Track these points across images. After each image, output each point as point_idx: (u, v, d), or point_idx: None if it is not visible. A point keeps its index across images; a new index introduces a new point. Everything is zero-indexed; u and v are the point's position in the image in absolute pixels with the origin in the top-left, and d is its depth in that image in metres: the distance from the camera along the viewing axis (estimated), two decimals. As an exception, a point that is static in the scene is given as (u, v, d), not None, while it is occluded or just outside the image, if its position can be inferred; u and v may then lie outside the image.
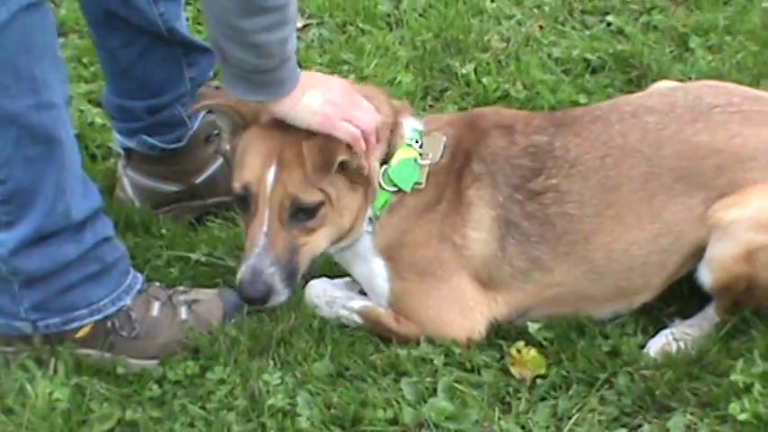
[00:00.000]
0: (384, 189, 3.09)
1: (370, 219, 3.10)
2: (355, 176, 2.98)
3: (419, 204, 3.11)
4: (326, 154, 2.86)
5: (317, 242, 2.97)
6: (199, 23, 4.89)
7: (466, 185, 3.10)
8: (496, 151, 3.12)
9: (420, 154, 3.11)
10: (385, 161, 3.09)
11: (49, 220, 2.93)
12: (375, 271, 3.16)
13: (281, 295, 2.93)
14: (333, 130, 2.88)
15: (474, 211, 3.09)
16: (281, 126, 2.91)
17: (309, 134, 2.88)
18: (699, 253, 3.02)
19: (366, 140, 2.94)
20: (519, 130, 3.15)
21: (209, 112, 3.59)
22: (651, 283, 3.12)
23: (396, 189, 3.09)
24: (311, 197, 2.89)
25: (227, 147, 3.76)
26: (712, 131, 3.02)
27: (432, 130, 3.17)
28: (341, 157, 2.88)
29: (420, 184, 3.09)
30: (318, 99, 2.88)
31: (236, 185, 2.93)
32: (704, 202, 2.99)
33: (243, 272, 2.89)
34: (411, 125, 3.16)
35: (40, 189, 2.89)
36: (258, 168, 2.89)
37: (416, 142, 3.12)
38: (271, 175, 2.87)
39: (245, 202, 2.93)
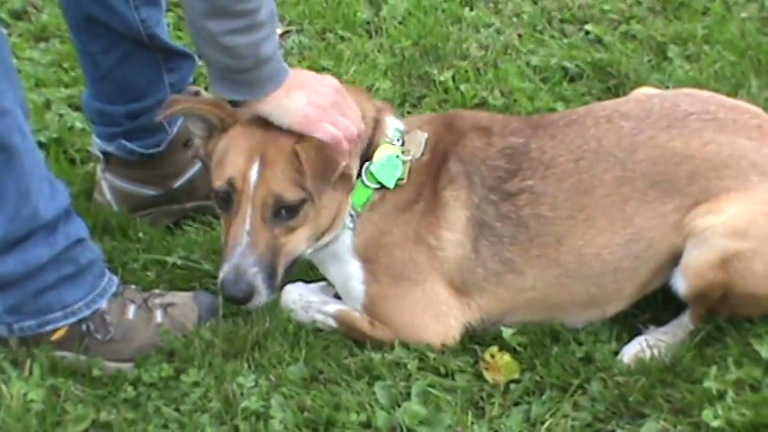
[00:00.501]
0: (366, 186, 3.10)
1: (351, 215, 3.10)
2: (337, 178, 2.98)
3: (399, 202, 3.12)
4: (326, 158, 2.88)
5: (297, 242, 2.97)
6: (179, 29, 4.90)
7: (442, 185, 3.11)
8: (473, 152, 3.14)
9: (402, 151, 3.12)
10: (367, 158, 3.11)
11: (15, 225, 2.93)
12: (351, 273, 3.16)
13: (262, 296, 2.91)
14: (313, 131, 2.89)
15: (449, 211, 3.10)
16: (264, 124, 2.92)
17: (293, 134, 2.89)
18: (672, 262, 3.03)
19: (346, 142, 2.95)
20: (496, 132, 3.17)
21: (201, 91, 3.66)
22: (623, 290, 3.12)
23: (378, 186, 3.10)
24: (294, 195, 2.88)
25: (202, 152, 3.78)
26: (686, 138, 3.03)
27: (412, 128, 3.19)
28: (342, 163, 2.90)
29: (402, 179, 3.10)
30: (302, 100, 2.90)
31: (219, 183, 2.92)
32: (678, 210, 3.00)
33: (226, 271, 2.87)
34: (393, 124, 3.18)
35: (1, 196, 2.89)
36: (242, 165, 2.88)
37: (398, 140, 3.14)
38: (254, 172, 2.87)
39: (226, 199, 2.92)
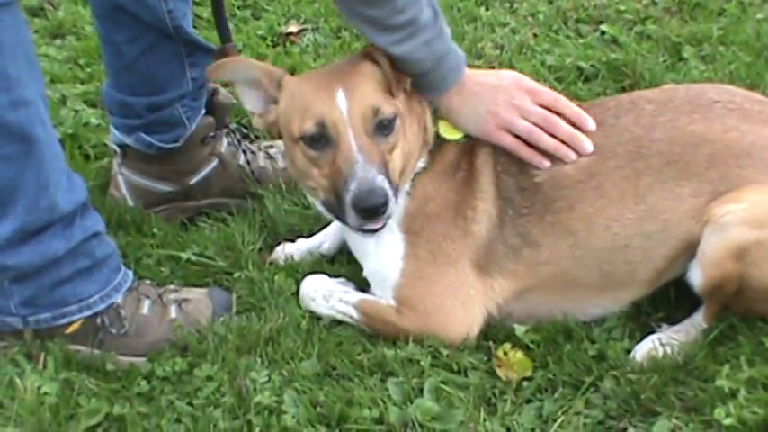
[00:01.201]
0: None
1: (412, 178, 3.13)
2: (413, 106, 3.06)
3: (445, 168, 3.15)
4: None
5: (396, 162, 2.98)
6: (195, 27, 4.88)
7: (475, 155, 3.15)
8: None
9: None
10: None
11: (33, 216, 2.94)
12: (392, 246, 3.14)
13: (393, 204, 2.88)
14: (490, 138, 3.11)
15: (482, 180, 3.13)
16: (322, 72, 3.08)
17: (355, 61, 3.01)
18: (688, 252, 3.01)
19: None
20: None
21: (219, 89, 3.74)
22: (636, 273, 3.11)
23: (438, 144, 3.16)
24: (389, 107, 2.93)
25: (222, 149, 3.80)
26: (708, 123, 3.02)
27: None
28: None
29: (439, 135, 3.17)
30: (482, 109, 3.07)
31: (308, 126, 2.90)
32: (695, 194, 2.98)
33: (356, 187, 2.81)
34: None
35: (21, 186, 2.91)
36: (325, 99, 2.90)
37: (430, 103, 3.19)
38: (341, 99, 2.89)
39: (320, 139, 2.91)
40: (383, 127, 2.92)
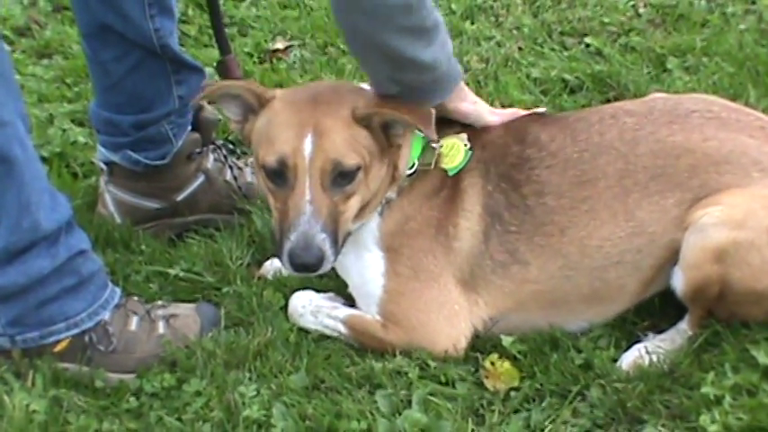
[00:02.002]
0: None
1: (381, 203, 3.14)
2: (386, 148, 3.02)
3: (426, 190, 3.16)
4: (421, 109, 3.00)
5: (352, 210, 2.98)
6: (182, 44, 4.91)
7: (463, 173, 3.16)
8: (493, 139, 3.21)
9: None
10: None
11: (15, 236, 2.95)
12: (372, 264, 3.17)
13: (330, 262, 2.91)
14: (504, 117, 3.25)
15: (466, 199, 3.14)
16: (306, 96, 2.98)
17: (340, 101, 2.96)
18: (673, 260, 3.04)
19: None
20: (515, 121, 3.26)
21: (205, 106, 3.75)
22: (626, 287, 3.14)
23: (410, 172, 3.14)
24: (352, 160, 2.91)
25: (209, 165, 3.81)
26: (687, 133, 3.07)
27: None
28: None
29: (429, 165, 3.14)
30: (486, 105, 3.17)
31: (270, 159, 2.91)
32: (678, 204, 3.03)
33: (294, 240, 2.85)
34: None
35: (1, 207, 2.91)
36: (293, 139, 2.89)
37: None
38: (308, 144, 2.88)
39: (279, 175, 2.93)
40: (343, 178, 2.92)
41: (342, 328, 3.23)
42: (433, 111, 3.03)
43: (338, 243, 2.94)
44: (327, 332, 3.24)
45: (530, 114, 3.33)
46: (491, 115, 3.24)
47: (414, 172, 3.14)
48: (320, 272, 2.94)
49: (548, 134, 3.17)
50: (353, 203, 2.97)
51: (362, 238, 3.16)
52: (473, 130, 3.22)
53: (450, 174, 3.15)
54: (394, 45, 2.84)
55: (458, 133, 3.20)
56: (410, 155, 3.14)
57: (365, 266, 3.18)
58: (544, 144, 3.16)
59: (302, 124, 2.90)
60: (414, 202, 3.15)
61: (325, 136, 2.89)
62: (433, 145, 3.14)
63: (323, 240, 2.86)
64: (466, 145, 3.17)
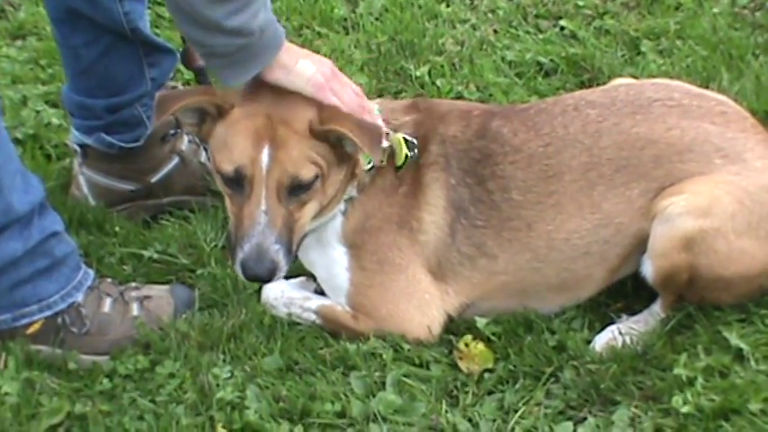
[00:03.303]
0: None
1: (345, 200, 3.13)
2: (344, 153, 3.00)
3: (385, 186, 3.15)
4: (371, 127, 2.95)
5: (307, 216, 2.97)
6: (156, 27, 4.90)
7: (423, 168, 3.15)
8: (454, 134, 3.18)
9: (386, 133, 3.13)
10: None
11: None
12: (336, 259, 3.17)
13: (283, 271, 2.92)
14: (325, 98, 2.93)
15: (429, 193, 3.14)
16: (265, 107, 2.92)
17: (297, 114, 2.90)
18: (641, 248, 3.06)
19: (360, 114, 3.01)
20: (474, 116, 3.23)
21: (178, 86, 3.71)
22: (594, 275, 3.16)
23: (369, 168, 3.12)
24: (310, 173, 2.89)
25: (183, 147, 3.79)
26: (650, 123, 3.08)
27: (390, 112, 3.23)
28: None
29: (382, 162, 3.10)
30: (311, 69, 2.92)
31: (227, 168, 2.90)
32: (644, 194, 3.05)
33: (247, 251, 2.86)
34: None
35: None
36: (250, 150, 2.87)
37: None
38: (265, 155, 2.86)
39: (236, 183, 2.91)
40: (299, 188, 2.91)
41: (314, 318, 3.24)
42: (383, 130, 3.01)
43: (293, 250, 2.95)
44: (301, 321, 3.25)
45: (486, 109, 3.31)
46: (312, 90, 2.95)
47: (371, 168, 3.13)
48: (275, 281, 2.98)
49: (510, 128, 3.16)
50: (309, 209, 2.97)
51: (326, 235, 3.18)
52: (431, 125, 3.20)
53: (398, 170, 3.14)
54: (198, 8, 2.76)
55: (412, 132, 3.18)
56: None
57: (330, 262, 3.19)
58: (507, 139, 3.15)
59: (260, 135, 2.88)
60: (373, 198, 3.15)
61: (282, 149, 2.87)
62: (383, 143, 3.10)
63: (276, 252, 2.87)
64: (412, 143, 3.14)
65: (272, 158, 2.86)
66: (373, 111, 3.11)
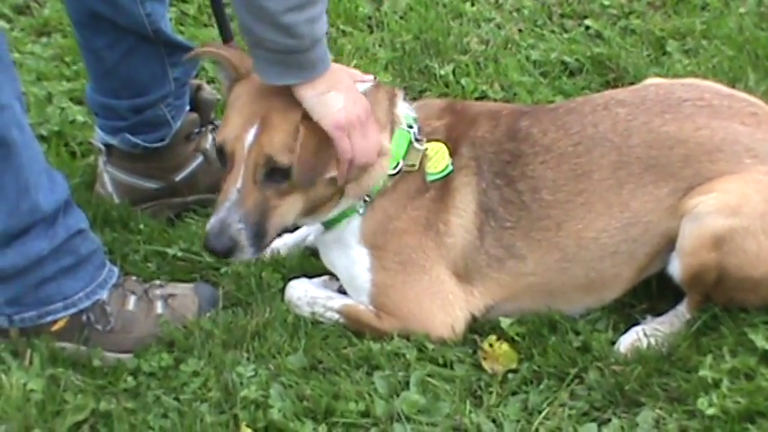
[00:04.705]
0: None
1: (364, 200, 3.13)
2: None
3: (410, 190, 3.14)
4: (318, 164, 2.91)
5: (289, 208, 2.98)
6: (181, 24, 4.92)
7: (450, 177, 3.15)
8: (484, 136, 3.18)
9: (417, 139, 3.15)
10: None
11: (14, 219, 2.95)
12: (357, 260, 3.17)
13: (246, 253, 2.93)
14: (337, 138, 2.90)
15: (458, 197, 3.14)
16: (270, 89, 2.92)
17: (297, 107, 2.89)
18: (668, 247, 3.05)
19: (350, 164, 2.96)
20: (504, 116, 3.22)
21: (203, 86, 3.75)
22: (622, 275, 3.15)
23: (394, 172, 3.12)
24: (288, 159, 2.89)
25: (207, 145, 3.80)
26: (680, 123, 3.06)
27: (424, 117, 3.23)
28: (329, 174, 2.95)
29: (414, 166, 3.12)
30: (340, 103, 2.90)
31: (218, 140, 2.97)
32: (672, 193, 3.03)
33: (211, 224, 2.91)
34: (405, 111, 3.21)
35: (0, 190, 2.92)
36: (239, 127, 2.91)
37: (410, 127, 3.16)
38: (251, 134, 2.89)
39: (222, 155, 2.96)
40: (277, 174, 2.91)
41: (338, 318, 3.24)
42: (324, 170, 2.95)
43: (265, 237, 2.95)
44: (324, 320, 3.25)
45: (515, 109, 3.31)
46: (330, 124, 2.91)
47: (398, 172, 3.13)
48: (235, 261, 3.02)
49: (540, 128, 3.16)
50: (292, 201, 2.97)
51: (345, 236, 3.18)
52: (462, 129, 3.20)
53: (429, 180, 3.13)
54: None
55: (442, 138, 3.18)
56: (393, 155, 3.13)
57: (351, 263, 3.20)
58: (537, 139, 3.14)
59: (253, 114, 2.91)
60: (397, 202, 3.15)
61: (267, 131, 2.89)
62: (417, 147, 3.13)
63: (238, 230, 2.89)
64: (410, 142, 3.15)
65: (256, 139, 2.89)
66: (381, 160, 3.09)
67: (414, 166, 3.12)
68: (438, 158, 3.13)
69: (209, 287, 3.35)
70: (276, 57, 2.81)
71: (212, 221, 2.90)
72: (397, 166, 3.12)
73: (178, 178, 3.81)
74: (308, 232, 3.52)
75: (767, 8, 4.81)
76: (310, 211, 3.07)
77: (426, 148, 3.14)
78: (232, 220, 2.88)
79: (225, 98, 3.11)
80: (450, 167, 3.13)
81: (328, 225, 3.20)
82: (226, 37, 3.55)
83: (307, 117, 2.89)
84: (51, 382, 3.03)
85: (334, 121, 2.89)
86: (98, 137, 3.77)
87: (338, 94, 2.90)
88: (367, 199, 3.14)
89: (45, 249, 3.01)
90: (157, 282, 3.34)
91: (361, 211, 3.14)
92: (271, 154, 2.88)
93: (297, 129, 2.88)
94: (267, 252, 3.48)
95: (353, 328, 3.21)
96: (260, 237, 2.93)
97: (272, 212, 2.94)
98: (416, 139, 3.15)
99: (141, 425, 2.92)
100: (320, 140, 2.89)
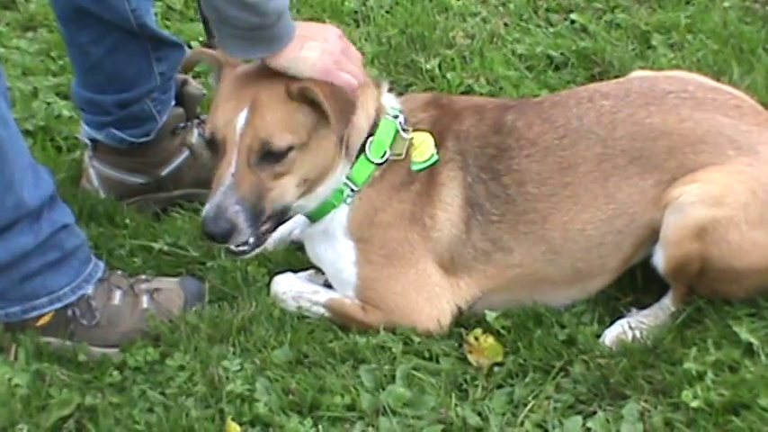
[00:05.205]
0: (369, 161, 3.13)
1: (352, 190, 3.13)
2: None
3: (396, 181, 3.15)
4: (346, 98, 2.94)
5: (285, 189, 2.97)
6: (167, 19, 4.91)
7: (440, 166, 3.15)
8: (469, 129, 3.19)
9: (403, 128, 3.16)
10: (369, 134, 3.15)
11: None
12: (343, 253, 3.18)
13: (244, 235, 2.92)
14: (333, 79, 2.94)
15: (444, 191, 3.14)
16: (256, 72, 2.96)
17: (284, 79, 2.92)
18: (652, 237, 3.07)
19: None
20: (489, 110, 3.23)
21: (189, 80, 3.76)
22: (607, 265, 3.16)
23: (380, 161, 3.13)
24: (282, 141, 2.90)
25: (193, 140, 3.80)
26: (664, 115, 3.07)
27: (409, 109, 3.23)
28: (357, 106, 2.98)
29: (400, 155, 3.13)
30: (317, 51, 2.93)
31: (207, 129, 2.98)
32: (657, 185, 3.05)
33: (207, 209, 2.89)
34: (390, 102, 3.22)
35: None
36: (229, 112, 2.91)
37: (396, 118, 3.17)
38: (242, 118, 2.90)
39: (214, 144, 2.96)
40: (272, 156, 2.92)
41: (323, 311, 3.24)
42: (355, 103, 3.00)
43: (260, 219, 2.95)
44: (310, 315, 3.24)
45: (500, 103, 3.32)
46: (319, 74, 2.95)
47: (384, 161, 3.14)
48: (234, 243, 2.95)
49: (525, 122, 3.16)
50: (287, 182, 2.97)
51: (331, 228, 3.18)
52: (447, 122, 3.21)
53: (414, 169, 3.14)
54: None
55: (427, 129, 3.19)
56: (362, 134, 3.13)
57: (337, 256, 3.20)
58: (522, 132, 3.15)
59: (241, 98, 2.92)
60: (383, 193, 3.15)
61: (258, 113, 2.90)
62: (404, 135, 3.14)
63: (235, 213, 2.88)
64: (397, 131, 3.16)
65: (248, 122, 2.90)
66: (360, 115, 3.11)
67: (400, 155, 3.13)
68: (423, 148, 3.14)
69: (195, 281, 3.35)
70: (243, 33, 2.84)
71: (208, 207, 2.89)
72: (383, 155, 3.12)
73: (164, 173, 3.81)
74: (294, 226, 3.52)
75: (751, 2, 4.82)
76: (306, 190, 3.06)
77: (412, 137, 3.15)
78: (228, 204, 2.87)
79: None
80: (436, 157, 3.14)
81: (315, 217, 3.19)
82: (211, 34, 3.56)
83: (295, 80, 2.92)
84: (37, 376, 3.02)
85: (321, 70, 2.92)
86: (84, 132, 3.77)
87: (312, 43, 2.93)
88: (354, 189, 3.13)
89: (30, 244, 3.01)
90: (143, 276, 3.34)
91: (348, 201, 3.14)
92: (266, 138, 2.89)
93: (287, 101, 2.91)
94: (270, 244, 3.45)
95: (339, 322, 3.21)
96: (257, 219, 2.93)
97: (267, 194, 2.93)
98: (403, 129, 3.15)
99: (127, 419, 2.91)
100: (337, 91, 2.93)
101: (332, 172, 3.10)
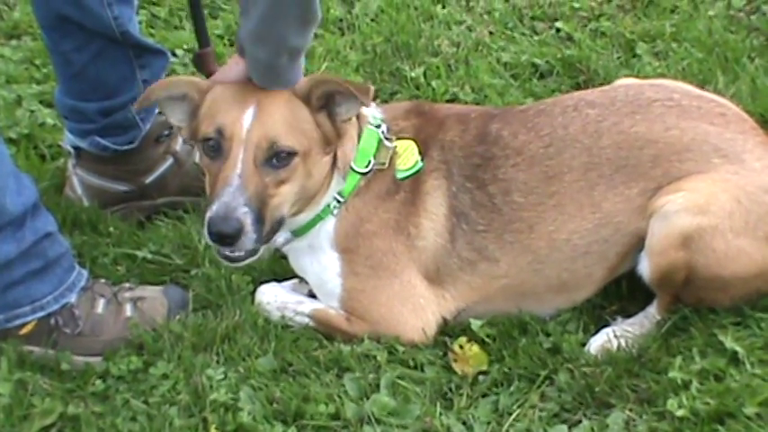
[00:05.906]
0: (355, 171, 3.13)
1: (338, 201, 3.13)
2: (330, 135, 3.02)
3: (381, 191, 3.14)
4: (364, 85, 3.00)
5: (285, 197, 2.96)
6: (152, 27, 4.90)
7: (424, 175, 3.15)
8: (453, 139, 3.19)
9: (386, 138, 3.16)
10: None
11: None
12: (328, 265, 3.17)
13: (250, 239, 2.87)
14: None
15: (429, 201, 3.14)
16: (248, 82, 2.98)
17: (284, 97, 2.96)
18: (638, 246, 3.06)
19: None
20: (473, 119, 3.23)
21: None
22: (593, 275, 3.16)
23: (365, 171, 3.12)
24: (288, 142, 2.90)
25: (177, 147, 3.79)
26: (649, 123, 3.08)
27: (391, 117, 3.23)
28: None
29: (384, 164, 3.12)
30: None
31: (209, 129, 2.93)
32: (642, 193, 3.05)
33: (215, 209, 2.84)
34: (371, 112, 3.21)
35: None
36: (234, 112, 2.90)
37: (378, 127, 3.17)
38: (249, 117, 2.89)
39: (216, 146, 2.92)
40: (277, 158, 2.91)
41: (308, 322, 3.23)
42: (372, 87, 3.02)
43: (263, 225, 2.91)
44: (294, 324, 3.23)
45: (484, 111, 3.33)
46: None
47: (369, 171, 3.13)
48: (239, 247, 2.90)
49: (510, 131, 3.16)
50: (287, 191, 2.96)
51: (318, 239, 3.17)
52: (430, 131, 3.20)
53: (399, 177, 3.14)
54: (287, 36, 2.85)
55: (410, 138, 3.19)
56: (356, 148, 3.14)
57: (322, 268, 3.19)
58: (508, 141, 3.15)
59: (246, 99, 2.93)
60: (369, 203, 3.15)
61: (266, 111, 2.90)
62: (388, 144, 3.14)
63: (244, 214, 2.85)
64: (380, 140, 3.16)
65: (254, 119, 2.89)
66: (350, 131, 3.15)
67: (384, 164, 3.12)
68: (407, 155, 3.14)
69: (178, 290, 3.34)
70: (270, 70, 2.93)
71: (215, 208, 2.84)
72: (368, 165, 3.12)
73: (148, 181, 3.80)
74: (278, 235, 3.49)
75: (736, 11, 4.83)
76: (298, 209, 3.06)
77: (396, 146, 3.14)
78: (237, 204, 2.84)
79: (188, 131, 3.09)
80: (420, 164, 3.13)
81: (300, 232, 3.18)
82: (203, 43, 3.56)
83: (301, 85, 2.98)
84: (19, 385, 3.01)
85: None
86: (67, 140, 3.76)
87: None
88: (341, 200, 3.12)
89: (12, 253, 2.99)
90: (127, 284, 3.33)
91: (335, 212, 3.13)
92: (275, 137, 2.90)
93: (293, 101, 2.95)
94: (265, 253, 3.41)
95: (324, 332, 3.20)
96: (261, 225, 2.89)
97: (269, 200, 2.92)
98: (386, 138, 3.15)
99: (110, 428, 2.91)
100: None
101: (325, 189, 3.10)
